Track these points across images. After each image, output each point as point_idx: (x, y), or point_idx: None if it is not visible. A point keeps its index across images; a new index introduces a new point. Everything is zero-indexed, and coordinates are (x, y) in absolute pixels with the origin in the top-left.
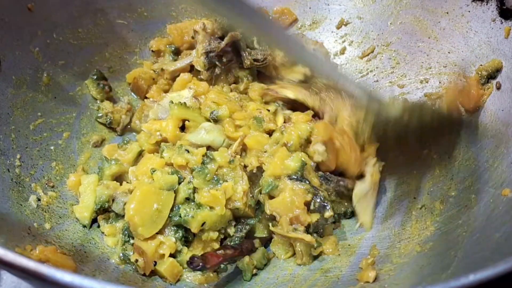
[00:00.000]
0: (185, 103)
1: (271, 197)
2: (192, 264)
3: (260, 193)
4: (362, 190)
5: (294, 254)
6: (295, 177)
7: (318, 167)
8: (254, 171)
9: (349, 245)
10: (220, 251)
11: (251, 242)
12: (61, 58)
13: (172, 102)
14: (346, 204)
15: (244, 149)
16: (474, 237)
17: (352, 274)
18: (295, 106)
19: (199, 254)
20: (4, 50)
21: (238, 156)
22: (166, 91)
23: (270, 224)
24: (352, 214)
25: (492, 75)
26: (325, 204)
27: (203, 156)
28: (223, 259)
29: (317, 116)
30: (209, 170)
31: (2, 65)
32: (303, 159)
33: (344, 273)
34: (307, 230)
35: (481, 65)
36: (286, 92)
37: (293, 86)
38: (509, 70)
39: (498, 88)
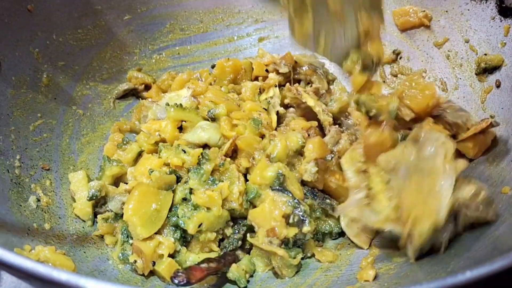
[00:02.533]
0: (181, 104)
1: (254, 206)
2: (175, 279)
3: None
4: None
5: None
6: (277, 187)
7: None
8: (245, 173)
9: (348, 244)
10: (203, 265)
11: (234, 254)
12: (61, 59)
13: (168, 105)
14: (332, 224)
15: (236, 149)
16: (473, 235)
17: (352, 273)
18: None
19: (182, 268)
20: (4, 51)
21: (229, 159)
22: (164, 91)
23: (248, 235)
24: (339, 235)
25: (489, 70)
26: (304, 218)
27: (199, 156)
28: (207, 273)
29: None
30: (204, 171)
31: (2, 66)
32: (280, 170)
33: (343, 272)
34: (286, 244)
35: (485, 54)
36: (307, 98)
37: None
38: (508, 69)
39: (498, 86)
